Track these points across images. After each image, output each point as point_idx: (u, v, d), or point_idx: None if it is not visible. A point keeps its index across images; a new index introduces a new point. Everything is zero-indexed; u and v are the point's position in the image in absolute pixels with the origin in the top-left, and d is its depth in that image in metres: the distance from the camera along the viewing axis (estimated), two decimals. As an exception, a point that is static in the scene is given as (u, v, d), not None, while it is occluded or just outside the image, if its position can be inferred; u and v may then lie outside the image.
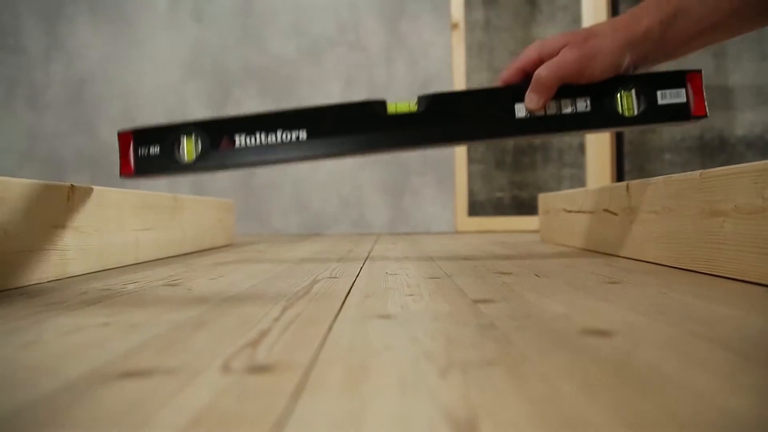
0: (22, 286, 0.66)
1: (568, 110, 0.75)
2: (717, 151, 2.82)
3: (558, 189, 2.55)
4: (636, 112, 0.76)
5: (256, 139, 0.75)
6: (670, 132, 2.90)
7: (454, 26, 2.41)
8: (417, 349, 0.33)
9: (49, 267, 0.72)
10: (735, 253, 0.63)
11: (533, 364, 0.30)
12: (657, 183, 0.81)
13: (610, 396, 0.25)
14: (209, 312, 0.47)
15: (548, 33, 2.80)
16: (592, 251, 1.06)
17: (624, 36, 0.73)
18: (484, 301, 0.50)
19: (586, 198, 1.13)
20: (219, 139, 0.76)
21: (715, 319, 0.41)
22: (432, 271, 0.76)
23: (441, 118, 0.75)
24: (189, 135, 0.76)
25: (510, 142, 2.68)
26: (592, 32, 0.74)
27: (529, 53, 0.77)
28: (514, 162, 2.59)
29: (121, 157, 0.79)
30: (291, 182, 2.34)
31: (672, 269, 0.74)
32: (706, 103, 0.75)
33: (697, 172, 0.71)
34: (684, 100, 0.75)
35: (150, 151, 0.77)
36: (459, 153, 2.43)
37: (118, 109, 2.38)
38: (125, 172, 0.78)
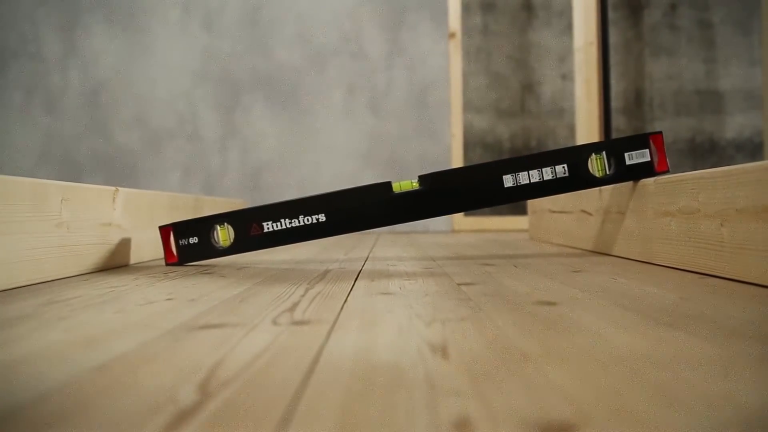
0: (81, 274, 0.79)
1: (549, 177, 0.87)
2: (707, 153, 2.94)
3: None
4: (607, 173, 0.88)
5: (281, 224, 0.86)
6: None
7: (452, 35, 2.53)
8: (410, 312, 0.46)
9: (99, 258, 0.84)
10: (678, 248, 0.75)
11: (492, 320, 0.42)
12: (622, 187, 0.93)
13: (539, 336, 0.37)
14: (247, 291, 0.59)
15: (544, 38, 2.92)
16: (571, 247, 1.19)
17: None
18: (466, 284, 0.62)
19: (567, 199, 1.26)
20: (249, 226, 0.87)
21: (642, 295, 0.54)
22: (427, 263, 0.89)
23: (440, 193, 0.87)
24: (222, 224, 0.88)
25: (506, 144, 2.80)
26: None
27: None
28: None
29: (164, 248, 0.90)
30: (296, 183, 2.47)
31: (632, 261, 0.87)
32: (667, 160, 0.88)
33: (651, 180, 0.83)
34: (648, 159, 0.88)
35: (189, 241, 0.89)
36: (456, 155, 2.55)
37: (131, 114, 2.50)
38: (170, 261, 0.90)
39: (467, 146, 2.67)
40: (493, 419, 0.22)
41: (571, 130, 2.71)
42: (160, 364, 0.32)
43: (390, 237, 1.86)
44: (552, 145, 2.80)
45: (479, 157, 2.72)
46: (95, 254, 0.83)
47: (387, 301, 0.51)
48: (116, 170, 2.49)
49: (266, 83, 2.49)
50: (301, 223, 0.86)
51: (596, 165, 0.88)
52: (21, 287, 0.65)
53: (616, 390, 0.26)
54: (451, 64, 2.54)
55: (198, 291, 0.60)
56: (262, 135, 2.50)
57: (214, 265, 0.89)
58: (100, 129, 2.51)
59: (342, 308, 0.48)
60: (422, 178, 0.87)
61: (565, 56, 2.85)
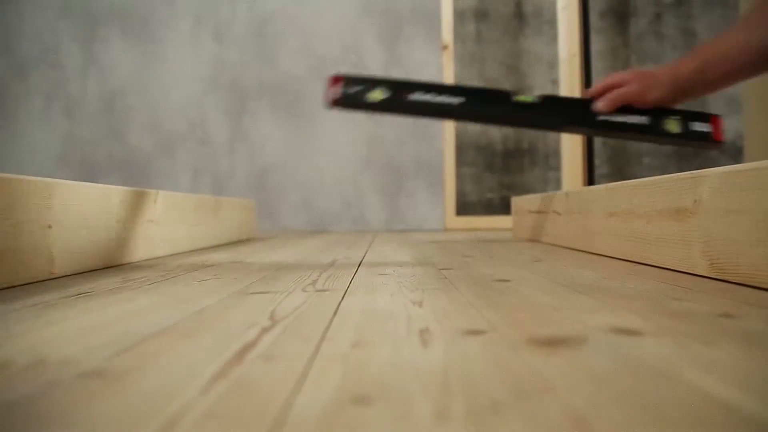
0: (131, 263, 0.96)
1: (633, 120, 1.06)
2: (692, 155, 3.11)
3: (543, 191, 2.83)
4: (679, 131, 1.07)
5: (427, 96, 1.02)
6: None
7: (445, 47, 2.70)
8: (400, 284, 0.63)
9: (144, 249, 1.01)
10: (620, 242, 0.92)
11: (458, 290, 0.59)
12: (581, 192, 1.11)
13: (487, 298, 0.54)
14: (275, 273, 0.77)
15: (535, 45, 3.09)
16: (544, 243, 1.36)
17: (672, 78, 1.04)
18: (446, 269, 0.80)
19: (543, 201, 1.43)
20: (400, 91, 1.03)
21: (576, 276, 0.71)
22: (417, 255, 1.06)
23: (549, 112, 1.06)
24: (380, 85, 1.04)
25: (498, 146, 2.97)
26: (651, 72, 1.07)
27: (610, 81, 1.08)
28: (504, 165, 2.87)
29: (329, 91, 1.04)
30: (300, 184, 2.64)
31: (589, 254, 1.04)
32: (722, 134, 1.08)
33: (603, 186, 1.01)
34: (710, 130, 1.08)
35: (352, 91, 1.04)
36: (448, 158, 2.73)
37: (145, 119, 2.67)
38: (332, 102, 1.04)
39: (461, 148, 2.84)
40: (442, 329, 0.39)
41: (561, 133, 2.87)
42: (237, 309, 0.49)
43: (386, 235, 2.03)
44: (543, 148, 2.96)
45: (472, 159, 2.89)
46: (141, 246, 1.00)
47: (383, 279, 0.69)
48: (131, 172, 2.66)
49: (272, 91, 2.66)
50: (442, 101, 1.03)
51: (671, 124, 1.07)
52: (94, 270, 0.82)
53: (520, 319, 0.43)
54: (444, 75, 2.71)
55: (236, 273, 0.77)
56: (268, 139, 2.68)
57: (237, 256, 1.06)
58: (115, 133, 2.68)
59: (350, 283, 0.65)
60: (539, 97, 1.06)
61: (555, 62, 3.01)
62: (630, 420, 0.23)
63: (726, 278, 0.63)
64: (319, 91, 2.67)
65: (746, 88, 2.30)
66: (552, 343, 0.35)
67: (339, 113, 2.66)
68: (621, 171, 2.92)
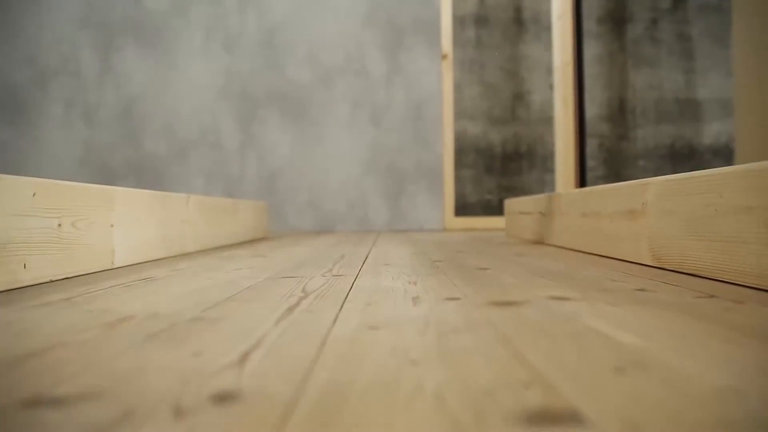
0: (165, 258, 1.11)
1: None
2: (686, 158, 3.25)
3: (541, 192, 2.98)
4: None
5: None
6: (644, 141, 3.34)
7: (444, 57, 2.86)
8: (400, 271, 0.78)
9: (179, 245, 1.16)
10: (590, 238, 1.07)
11: (447, 275, 0.75)
12: (562, 195, 1.26)
13: (467, 279, 0.69)
14: (296, 264, 0.92)
15: (534, 50, 3.24)
16: (531, 241, 1.51)
17: None
18: (439, 261, 0.95)
19: (531, 204, 1.58)
20: None
21: (546, 266, 0.86)
22: (415, 250, 1.21)
23: None
24: None
25: (497, 149, 3.12)
26: None
27: None
28: (502, 168, 3.02)
29: None
30: (306, 187, 2.80)
31: (565, 249, 1.19)
32: None
33: (577, 190, 1.16)
34: None
35: None
36: (447, 162, 2.88)
37: (160, 125, 2.83)
38: None
39: (461, 152, 2.99)
40: (428, 297, 0.55)
41: (552, 139, 3.02)
42: (275, 287, 0.64)
43: (389, 234, 2.18)
44: (541, 151, 3.11)
45: (472, 162, 3.03)
46: (177, 242, 1.15)
47: (386, 268, 0.84)
48: (146, 176, 2.81)
49: (280, 98, 2.82)
50: None
51: None
52: (143, 263, 0.97)
53: (487, 292, 0.58)
54: (443, 82, 2.86)
55: (265, 265, 0.93)
56: (276, 144, 2.83)
57: (258, 251, 1.21)
58: (132, 139, 2.83)
59: (360, 270, 0.80)
60: None
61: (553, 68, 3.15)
62: (534, 337, 0.38)
63: (664, 266, 0.78)
64: (324, 99, 2.82)
65: (738, 93, 2.44)
66: (504, 304, 0.50)
67: (344, 121, 2.82)
68: (617, 173, 3.05)
